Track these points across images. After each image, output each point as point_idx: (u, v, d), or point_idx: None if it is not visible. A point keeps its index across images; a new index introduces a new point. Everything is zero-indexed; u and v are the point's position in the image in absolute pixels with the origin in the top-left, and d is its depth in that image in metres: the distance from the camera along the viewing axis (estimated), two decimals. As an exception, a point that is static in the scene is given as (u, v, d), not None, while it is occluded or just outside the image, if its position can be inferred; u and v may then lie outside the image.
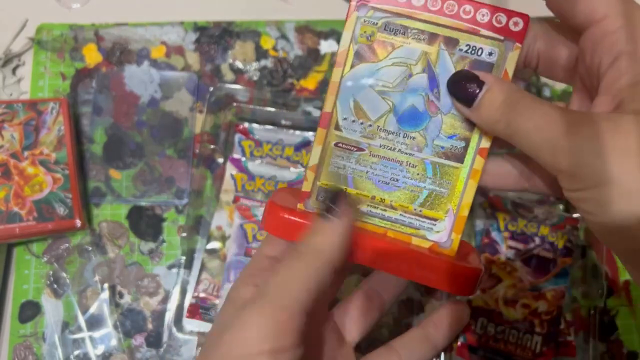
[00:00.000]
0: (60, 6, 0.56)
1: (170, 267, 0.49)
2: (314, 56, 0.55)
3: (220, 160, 0.51)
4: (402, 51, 0.25)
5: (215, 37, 0.55)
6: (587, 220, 0.21)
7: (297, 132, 0.51)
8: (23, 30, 0.55)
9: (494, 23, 0.25)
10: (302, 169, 0.50)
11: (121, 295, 0.48)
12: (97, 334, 0.47)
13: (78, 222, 0.47)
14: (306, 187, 0.27)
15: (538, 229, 0.48)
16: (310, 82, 0.54)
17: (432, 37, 0.25)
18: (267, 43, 0.55)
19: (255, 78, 0.54)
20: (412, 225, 0.26)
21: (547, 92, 0.54)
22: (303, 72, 0.55)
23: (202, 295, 0.47)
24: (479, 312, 0.46)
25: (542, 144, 0.21)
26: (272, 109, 0.51)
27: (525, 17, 0.25)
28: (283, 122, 0.52)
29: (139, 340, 0.47)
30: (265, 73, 0.55)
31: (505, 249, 0.48)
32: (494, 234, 0.48)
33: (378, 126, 0.26)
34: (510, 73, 0.24)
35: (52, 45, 0.55)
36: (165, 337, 0.47)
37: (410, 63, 0.25)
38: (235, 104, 0.52)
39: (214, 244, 0.49)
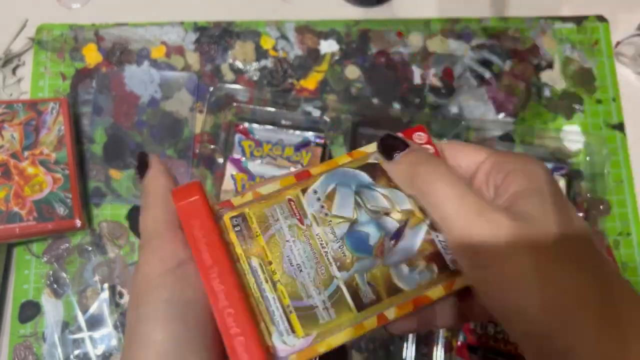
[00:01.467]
0: (60, 6, 0.56)
1: (170, 267, 0.49)
2: (314, 56, 0.55)
3: (220, 160, 0.51)
4: (399, 195, 0.26)
5: (215, 37, 0.55)
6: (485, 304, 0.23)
7: (297, 132, 0.51)
8: (23, 30, 0.55)
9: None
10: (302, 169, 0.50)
11: (121, 295, 0.48)
12: (97, 334, 0.47)
13: (78, 222, 0.47)
14: (236, 201, 0.26)
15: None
16: (310, 82, 0.54)
17: (412, 212, 0.26)
18: (267, 43, 0.55)
19: (255, 78, 0.54)
20: (271, 314, 0.24)
21: (547, 92, 0.54)
22: (303, 72, 0.54)
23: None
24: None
25: (439, 212, 0.23)
26: (272, 109, 0.51)
27: (420, 128, 0.27)
28: (283, 122, 0.52)
29: (139, 340, 0.47)
30: (265, 73, 0.54)
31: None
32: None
33: (331, 221, 0.26)
34: (455, 288, 0.25)
35: (52, 45, 0.55)
36: (165, 337, 0.47)
37: (396, 207, 0.26)
38: (235, 104, 0.52)
39: (214, 244, 0.49)
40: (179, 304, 0.22)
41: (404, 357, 0.46)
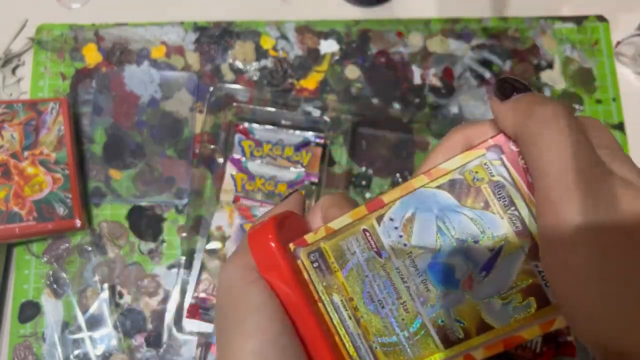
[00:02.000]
0: (60, 6, 0.56)
1: (170, 268, 0.49)
2: (314, 56, 0.55)
3: (220, 160, 0.51)
4: (490, 217, 0.23)
5: (215, 37, 0.55)
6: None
7: (297, 132, 0.51)
8: (23, 30, 0.55)
9: None
10: (302, 169, 0.50)
11: (121, 296, 0.48)
12: (97, 334, 0.47)
13: (78, 222, 0.47)
14: (311, 238, 0.24)
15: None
16: (310, 82, 0.54)
17: (524, 232, 0.22)
18: (267, 43, 0.55)
19: (255, 78, 0.54)
20: (358, 352, 0.23)
21: (547, 92, 0.54)
22: (303, 72, 0.54)
23: (202, 295, 0.47)
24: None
25: (547, 167, 0.19)
26: (272, 109, 0.51)
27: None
28: (283, 122, 0.52)
29: (138, 340, 0.47)
30: (265, 73, 0.54)
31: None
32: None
33: (411, 252, 0.23)
34: (551, 329, 0.22)
35: (52, 45, 0.55)
36: (165, 337, 0.47)
37: (487, 232, 0.23)
38: (235, 104, 0.52)
39: (214, 244, 0.49)
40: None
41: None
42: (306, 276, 0.24)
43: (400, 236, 0.23)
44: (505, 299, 0.22)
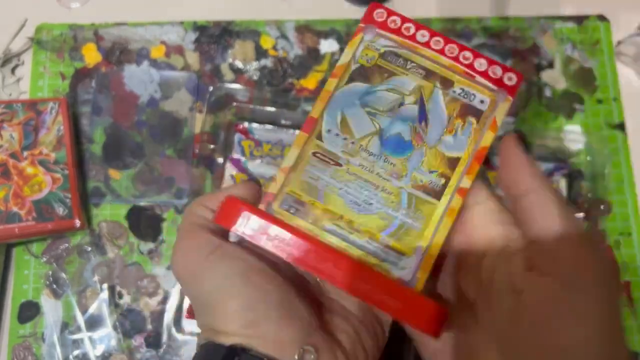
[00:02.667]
0: (59, 6, 0.56)
1: (169, 268, 0.49)
2: (314, 56, 0.55)
3: (220, 160, 0.51)
4: (398, 80, 0.26)
5: (215, 36, 0.55)
6: None
7: (297, 132, 0.51)
8: (22, 29, 0.55)
9: (490, 73, 0.26)
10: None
11: (120, 296, 0.48)
12: (96, 335, 0.47)
13: (77, 222, 0.47)
14: (272, 188, 0.25)
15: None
16: (310, 82, 0.54)
17: (429, 74, 0.26)
18: (267, 43, 0.55)
19: (255, 78, 0.54)
20: (376, 255, 0.24)
21: (548, 92, 0.54)
22: (303, 72, 0.54)
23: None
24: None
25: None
26: (272, 109, 0.51)
27: (519, 75, 0.26)
28: (283, 122, 0.52)
29: (138, 340, 0.47)
30: (265, 73, 0.54)
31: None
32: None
33: (361, 145, 0.25)
34: (499, 122, 0.25)
35: (51, 45, 0.55)
36: (164, 338, 0.47)
37: (404, 92, 0.26)
38: (235, 103, 0.52)
39: (214, 244, 0.49)
40: (239, 276, 0.24)
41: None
42: (292, 225, 0.25)
43: (345, 139, 0.26)
44: (451, 130, 0.25)
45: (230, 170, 0.50)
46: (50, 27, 0.55)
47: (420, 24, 0.27)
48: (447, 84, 0.26)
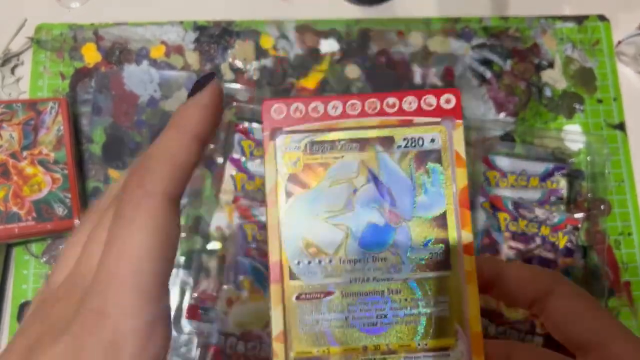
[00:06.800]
0: (59, 6, 0.56)
1: (169, 268, 0.49)
2: (314, 56, 0.55)
3: (220, 160, 0.51)
4: (337, 168, 0.22)
5: (215, 36, 0.55)
6: None
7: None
8: (22, 29, 0.55)
9: (425, 107, 0.22)
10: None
11: (120, 296, 0.48)
12: (96, 335, 0.47)
13: (77, 222, 0.47)
14: None
15: (539, 230, 0.48)
16: (310, 82, 0.54)
17: (364, 144, 0.22)
18: (267, 42, 0.55)
19: (255, 77, 0.54)
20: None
21: (548, 92, 0.54)
22: (303, 72, 0.54)
23: (201, 295, 0.47)
24: (480, 313, 0.46)
25: None
26: (272, 109, 0.51)
27: (455, 91, 0.23)
28: (283, 121, 0.52)
29: (138, 340, 0.47)
30: (265, 72, 0.54)
31: (506, 249, 0.48)
32: (495, 234, 0.48)
33: (340, 259, 0.22)
34: (462, 153, 0.22)
35: (51, 45, 0.55)
36: (164, 338, 0.47)
37: (349, 177, 0.22)
38: (235, 103, 0.52)
39: (213, 245, 0.49)
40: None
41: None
42: None
43: (320, 262, 0.22)
44: (420, 189, 0.22)
45: (230, 170, 0.50)
46: (50, 27, 0.55)
47: (325, 96, 0.23)
48: (387, 143, 0.23)
